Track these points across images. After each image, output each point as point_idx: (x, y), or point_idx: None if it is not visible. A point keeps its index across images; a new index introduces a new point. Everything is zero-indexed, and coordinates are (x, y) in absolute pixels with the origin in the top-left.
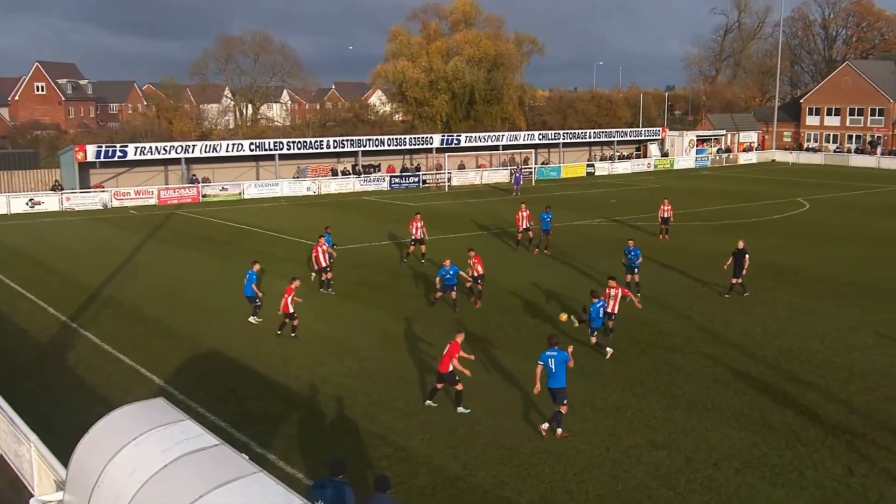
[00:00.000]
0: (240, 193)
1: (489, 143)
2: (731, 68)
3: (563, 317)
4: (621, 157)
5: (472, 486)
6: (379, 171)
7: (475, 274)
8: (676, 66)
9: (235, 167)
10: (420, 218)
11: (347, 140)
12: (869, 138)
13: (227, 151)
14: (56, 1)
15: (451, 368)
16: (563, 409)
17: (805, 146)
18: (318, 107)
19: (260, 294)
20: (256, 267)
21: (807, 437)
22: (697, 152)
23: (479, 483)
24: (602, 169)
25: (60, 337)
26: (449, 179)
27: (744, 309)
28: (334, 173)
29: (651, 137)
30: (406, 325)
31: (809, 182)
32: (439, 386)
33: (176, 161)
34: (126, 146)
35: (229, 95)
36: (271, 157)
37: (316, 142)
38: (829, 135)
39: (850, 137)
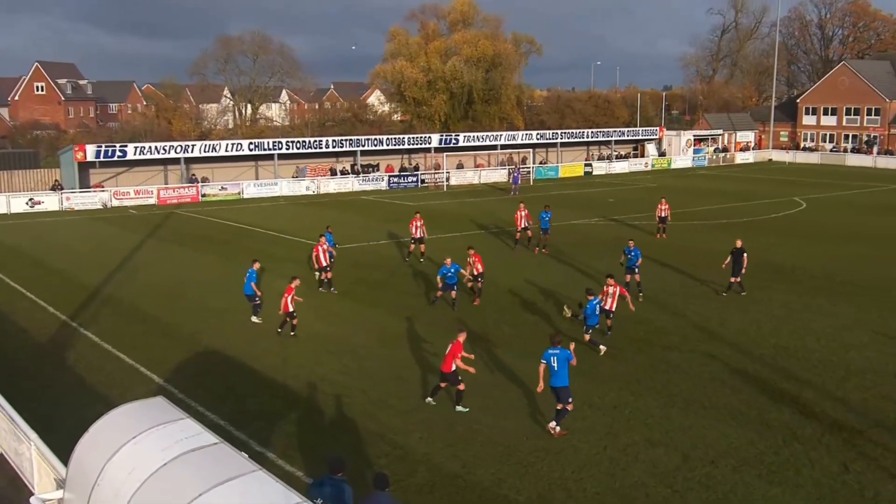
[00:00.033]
0: (239, 193)
1: (487, 142)
2: (727, 68)
3: (568, 313)
4: (619, 157)
5: (470, 484)
6: (377, 170)
7: (475, 272)
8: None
9: (234, 167)
10: (420, 217)
11: (346, 140)
12: (865, 138)
13: (226, 151)
14: (56, 1)
15: (453, 368)
16: (569, 408)
17: (801, 146)
18: (316, 107)
19: (259, 293)
20: (256, 266)
21: (803, 434)
22: (694, 152)
23: (478, 481)
24: (600, 168)
25: (60, 336)
26: (447, 179)
27: (740, 307)
28: (333, 173)
29: (648, 137)
30: (405, 323)
31: (806, 181)
32: (442, 385)
33: (175, 161)
34: (125, 146)
35: (228, 95)
36: (270, 157)
37: (315, 141)
38: (826, 134)
39: (847, 137)
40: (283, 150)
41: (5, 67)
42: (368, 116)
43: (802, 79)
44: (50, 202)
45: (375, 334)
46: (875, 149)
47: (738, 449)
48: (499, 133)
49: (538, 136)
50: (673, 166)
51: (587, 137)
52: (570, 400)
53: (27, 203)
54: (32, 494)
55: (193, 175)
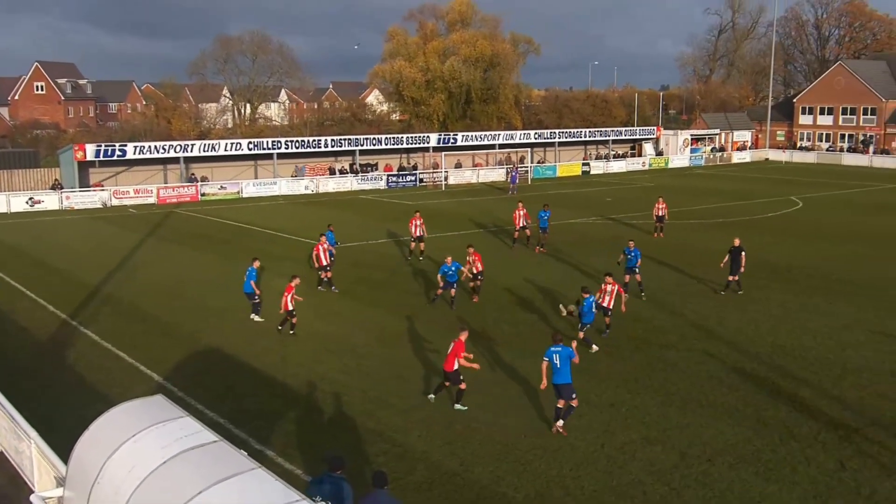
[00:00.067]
0: (238, 192)
1: (485, 142)
2: (724, 68)
3: (564, 311)
4: (616, 156)
5: (468, 482)
6: (376, 169)
7: (475, 270)
8: (671, 65)
9: (234, 166)
10: (420, 216)
11: (345, 139)
12: (861, 137)
13: (225, 150)
14: (55, 1)
15: (455, 366)
16: (574, 404)
17: (798, 145)
18: (315, 106)
19: (258, 291)
20: (256, 264)
21: (800, 432)
22: (692, 151)
23: (476, 478)
24: (597, 168)
25: (60, 335)
26: (446, 178)
27: (738, 306)
28: (332, 172)
29: (646, 136)
30: (404, 322)
31: (802, 181)
32: (447, 384)
33: (175, 160)
34: (125, 145)
35: (228, 95)
36: (269, 157)
37: (314, 141)
38: (822, 134)
39: (843, 136)
40: (282, 150)
41: (5, 67)
42: (367, 116)
43: (799, 78)
44: (50, 201)
45: (375, 333)
46: (871, 148)
47: (735, 447)
48: (497, 132)
49: (536, 136)
50: (670, 166)
51: (585, 137)
52: (574, 396)
53: (27, 202)
54: (32, 492)
55: (193, 174)
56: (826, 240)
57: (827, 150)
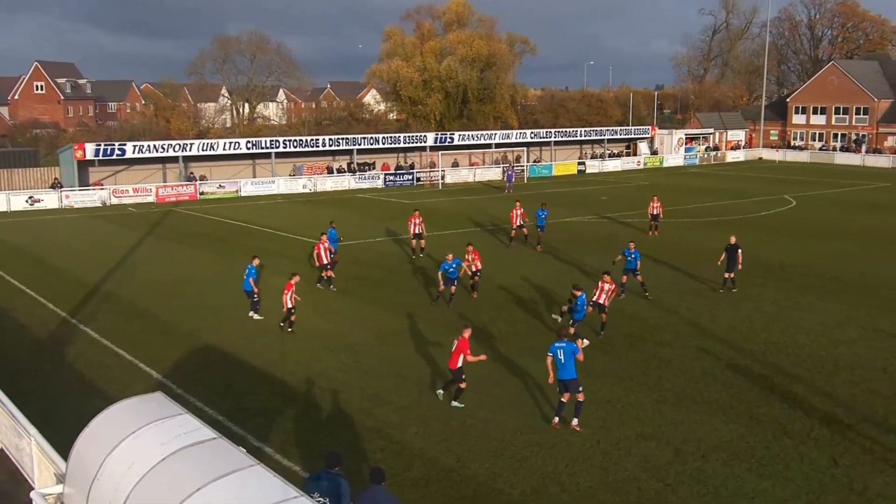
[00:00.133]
0: (237, 191)
1: (482, 141)
2: (719, 68)
3: (558, 318)
4: (611, 156)
5: (465, 478)
6: (374, 168)
7: (474, 268)
8: (666, 65)
9: (232, 165)
10: (419, 215)
11: (342, 138)
12: (854, 136)
13: (224, 150)
14: (55, 1)
15: (459, 364)
16: (580, 398)
17: (791, 144)
18: (313, 106)
19: (256, 289)
20: (256, 262)
21: (793, 429)
22: (686, 150)
23: (472, 475)
24: (593, 167)
25: (60, 332)
26: (442, 177)
27: (731, 304)
28: (330, 171)
29: (641, 136)
30: (402, 320)
31: (796, 179)
32: (455, 382)
33: (174, 159)
34: (124, 144)
35: (226, 94)
36: (268, 156)
37: (311, 140)
38: (815, 133)
39: (836, 136)
40: (280, 149)
41: (5, 67)
42: (364, 115)
43: (792, 78)
44: (49, 200)
45: (373, 331)
46: (863, 147)
47: (728, 443)
48: (493, 132)
49: (532, 135)
50: (665, 165)
51: (580, 136)
52: (581, 389)
53: (27, 201)
54: (33, 489)
55: (192, 173)
56: (819, 238)
57: (820, 149)
